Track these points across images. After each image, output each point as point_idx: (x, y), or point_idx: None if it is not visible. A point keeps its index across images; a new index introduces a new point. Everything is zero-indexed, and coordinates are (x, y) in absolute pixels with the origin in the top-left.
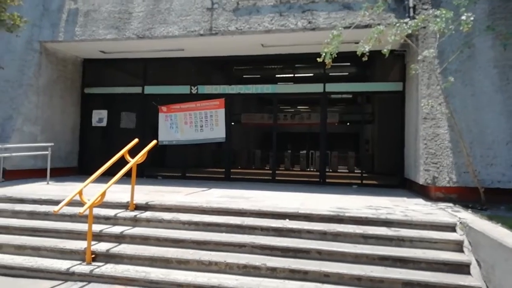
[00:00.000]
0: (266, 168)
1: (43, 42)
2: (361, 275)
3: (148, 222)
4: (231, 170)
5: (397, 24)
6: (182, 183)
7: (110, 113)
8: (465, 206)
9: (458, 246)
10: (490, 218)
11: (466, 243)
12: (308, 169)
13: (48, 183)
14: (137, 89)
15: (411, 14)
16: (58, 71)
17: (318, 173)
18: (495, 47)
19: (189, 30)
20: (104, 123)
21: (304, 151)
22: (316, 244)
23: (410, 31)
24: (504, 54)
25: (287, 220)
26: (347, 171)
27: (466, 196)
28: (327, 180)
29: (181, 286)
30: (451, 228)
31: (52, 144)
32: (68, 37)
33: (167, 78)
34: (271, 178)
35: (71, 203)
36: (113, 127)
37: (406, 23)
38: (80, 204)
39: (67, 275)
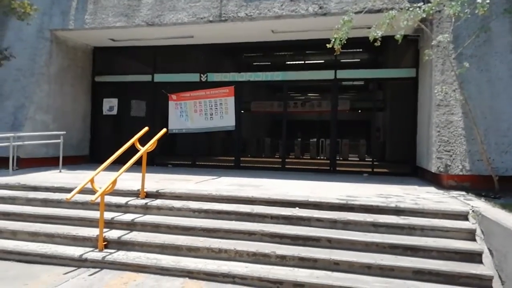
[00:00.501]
0: (276, 156)
1: (54, 30)
2: (371, 263)
3: (159, 210)
4: (241, 158)
5: (411, 9)
6: (192, 171)
7: (121, 101)
8: (478, 194)
9: (470, 235)
10: (504, 206)
11: (478, 231)
12: (318, 157)
13: (60, 171)
14: (147, 77)
15: None
16: (68, 60)
17: (328, 161)
18: None
19: (198, 16)
20: (114, 112)
21: (315, 139)
22: (326, 232)
23: (424, 16)
24: None
25: (297, 208)
26: (357, 159)
27: (479, 185)
28: (337, 168)
29: (191, 273)
30: (463, 216)
31: (64, 132)
32: (78, 25)
33: (176, 66)
34: (281, 166)
35: (83, 191)
36: (124, 115)
37: (420, 7)
38: (92, 192)
39: (80, 262)
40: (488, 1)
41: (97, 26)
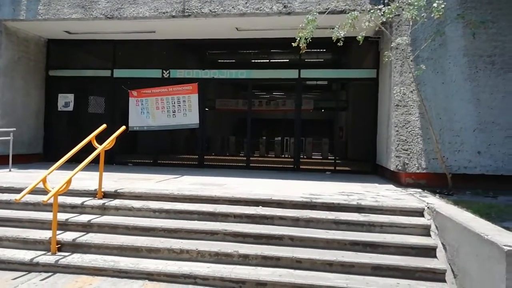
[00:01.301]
0: (240, 154)
1: (3, 20)
2: (332, 261)
3: (117, 210)
4: (205, 157)
5: (372, 11)
6: (154, 170)
7: (77, 97)
8: (433, 191)
9: (425, 231)
10: (456, 203)
11: (433, 227)
12: (283, 156)
13: (10, 170)
14: (106, 72)
15: (386, 0)
16: (19, 52)
17: (292, 160)
18: (465, 36)
19: (160, 11)
20: (70, 108)
21: (279, 138)
22: (289, 230)
23: (384, 19)
24: (474, 43)
25: (260, 207)
26: (321, 157)
27: (434, 182)
28: (301, 167)
29: (151, 275)
30: (419, 213)
31: (14, 129)
32: (31, 15)
33: (138, 61)
34: (245, 165)
35: (35, 191)
36: (81, 111)
37: (381, 9)
38: (45, 192)
39: (31, 266)
40: (443, 6)
41: (51, 17)
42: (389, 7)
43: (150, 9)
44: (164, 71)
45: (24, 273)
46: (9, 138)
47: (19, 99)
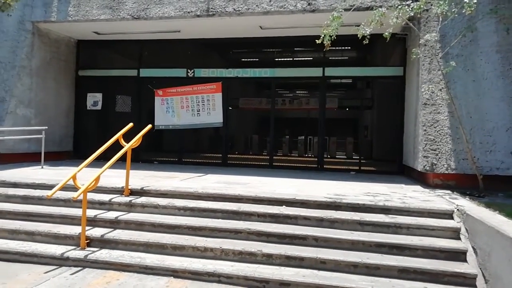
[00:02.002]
0: (263, 153)
1: (36, 22)
2: (357, 262)
3: (143, 208)
4: (228, 156)
5: (399, 6)
6: (178, 168)
7: (105, 96)
8: (463, 193)
9: (455, 234)
10: (488, 205)
11: (463, 230)
12: (306, 155)
13: (42, 167)
14: (132, 72)
15: None
16: (51, 53)
17: (316, 159)
18: (498, 31)
19: (185, 10)
20: (99, 107)
21: (302, 137)
22: (313, 230)
23: (412, 14)
24: (507, 38)
25: (284, 206)
26: (345, 157)
27: (464, 183)
28: (325, 166)
29: (176, 272)
30: (449, 215)
31: (46, 127)
32: (61, 17)
33: (163, 61)
34: (268, 164)
35: (65, 188)
36: (108, 110)
37: (409, 5)
38: (75, 188)
39: (62, 260)
40: (475, 1)
41: (80, 18)
42: (418, 2)
43: (175, 8)
44: (189, 70)
45: (55, 267)
46: (42, 136)
47: (51, 99)
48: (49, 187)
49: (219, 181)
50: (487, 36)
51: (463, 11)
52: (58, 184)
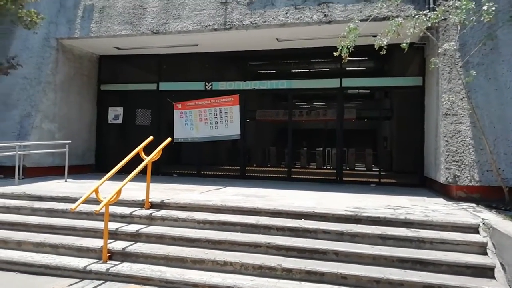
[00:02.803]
0: (281, 166)
1: (60, 38)
2: (379, 278)
3: (163, 221)
4: (246, 168)
5: (416, 16)
6: (197, 181)
7: (126, 110)
8: (488, 206)
9: (481, 249)
10: None
11: (489, 245)
12: (325, 167)
13: (66, 181)
14: (152, 86)
15: (431, 5)
16: (74, 68)
17: (334, 171)
18: None
19: (203, 25)
20: (120, 120)
21: (320, 149)
22: (333, 245)
23: (429, 24)
24: None
25: (303, 219)
26: (364, 169)
27: (489, 196)
28: (344, 179)
29: (196, 286)
30: (474, 229)
31: (70, 141)
32: (84, 33)
33: (181, 74)
34: (286, 176)
35: (88, 201)
36: (129, 124)
37: (426, 15)
38: (97, 201)
39: (84, 273)
40: (494, 9)
41: (102, 34)
42: (435, 11)
43: (193, 23)
44: (207, 83)
45: (78, 280)
46: (65, 150)
47: (74, 113)
48: (73, 200)
49: (238, 194)
50: (509, 44)
51: (482, 19)
52: (81, 197)
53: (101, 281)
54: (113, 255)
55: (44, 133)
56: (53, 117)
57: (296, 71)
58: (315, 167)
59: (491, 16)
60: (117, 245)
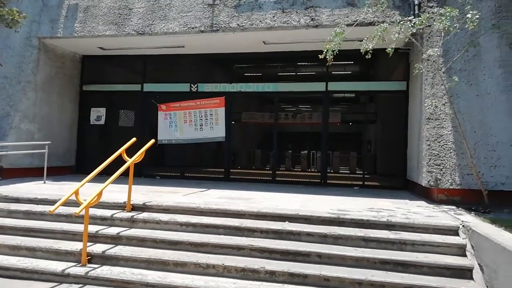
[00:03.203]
0: (266, 168)
1: (42, 38)
2: (361, 280)
3: (145, 223)
4: (231, 170)
5: (402, 22)
6: (181, 183)
7: (109, 111)
8: (468, 208)
9: (460, 250)
10: (494, 221)
11: (469, 247)
12: (309, 170)
13: (44, 182)
14: (136, 87)
15: (416, 11)
16: (56, 68)
17: (319, 174)
18: (501, 47)
19: (189, 26)
20: (102, 121)
21: (305, 151)
22: (316, 247)
23: (414, 30)
24: (510, 53)
25: (287, 222)
26: (348, 172)
27: (469, 199)
28: (328, 181)
29: None
30: (454, 231)
31: (50, 142)
32: (67, 33)
33: (166, 76)
34: (271, 178)
35: (67, 203)
36: (112, 125)
37: (411, 21)
38: (77, 204)
39: (62, 277)
40: (477, 16)
41: (86, 34)
42: (420, 18)
43: (180, 24)
44: (192, 85)
45: (56, 284)
46: (45, 151)
47: (55, 113)
48: (51, 202)
49: (222, 196)
50: (490, 51)
51: (466, 27)
52: (60, 199)
53: (80, 285)
54: (92, 259)
55: (23, 133)
56: (32, 117)
57: (283, 74)
58: (300, 169)
59: (475, 24)
60: (97, 248)
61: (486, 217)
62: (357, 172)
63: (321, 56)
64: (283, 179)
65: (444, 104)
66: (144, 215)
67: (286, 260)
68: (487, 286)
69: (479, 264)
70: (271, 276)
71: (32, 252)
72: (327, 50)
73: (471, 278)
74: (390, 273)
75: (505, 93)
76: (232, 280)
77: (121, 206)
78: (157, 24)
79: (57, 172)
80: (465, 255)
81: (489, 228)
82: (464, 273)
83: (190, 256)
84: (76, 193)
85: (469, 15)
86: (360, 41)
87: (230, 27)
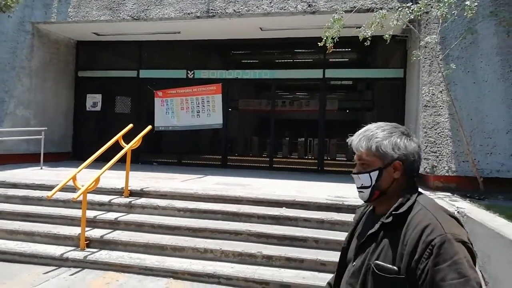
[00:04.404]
0: (263, 155)
1: (35, 23)
2: None
3: (143, 209)
4: (228, 157)
5: (400, 9)
6: (178, 169)
7: (105, 97)
8: (464, 195)
9: None
10: (488, 207)
11: None
12: (306, 157)
13: (41, 168)
14: (132, 73)
15: None
16: (51, 54)
17: (316, 161)
18: (498, 34)
19: (185, 12)
20: (98, 108)
21: (303, 139)
22: (313, 232)
23: (412, 16)
24: (507, 41)
25: (284, 208)
26: (345, 159)
27: (464, 186)
28: (325, 168)
29: (176, 273)
30: None
31: (46, 128)
32: (61, 18)
33: (163, 62)
34: (268, 165)
35: (65, 189)
36: (108, 111)
37: (409, 7)
38: (74, 189)
39: (61, 261)
40: (476, 4)
41: (80, 19)
42: (418, 4)
43: (175, 10)
44: (189, 72)
45: (55, 267)
46: (41, 137)
47: (50, 100)
48: (49, 187)
49: (219, 183)
50: (487, 38)
51: (464, 14)
52: (58, 184)
53: (79, 269)
54: (91, 243)
55: (18, 119)
56: (28, 104)
57: (280, 61)
58: (297, 157)
59: (473, 12)
60: (95, 233)
61: (481, 204)
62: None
63: (320, 44)
64: (280, 166)
65: (441, 92)
66: (142, 200)
67: (283, 245)
68: (480, 271)
69: None
70: (268, 260)
71: (30, 236)
72: (327, 38)
73: None
74: None
75: (501, 80)
76: (229, 265)
77: (119, 192)
78: (152, 10)
79: (54, 158)
80: None
81: (483, 214)
82: None
83: (188, 241)
84: (74, 178)
85: (467, 2)
86: (358, 28)
87: (227, 12)
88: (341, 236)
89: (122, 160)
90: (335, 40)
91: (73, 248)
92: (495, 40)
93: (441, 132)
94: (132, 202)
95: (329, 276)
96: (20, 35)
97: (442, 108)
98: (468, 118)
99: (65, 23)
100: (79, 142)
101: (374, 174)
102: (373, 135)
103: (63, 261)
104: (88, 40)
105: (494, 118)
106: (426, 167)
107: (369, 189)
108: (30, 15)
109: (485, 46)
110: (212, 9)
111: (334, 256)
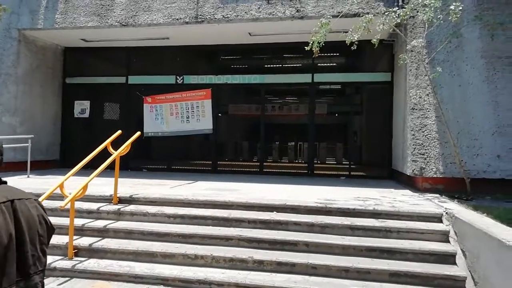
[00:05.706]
0: (253, 160)
1: (22, 30)
2: (348, 267)
3: (132, 216)
4: (218, 162)
5: (386, 13)
6: (168, 175)
7: (93, 104)
8: (451, 196)
9: (444, 237)
10: (476, 208)
11: (452, 233)
12: (296, 161)
13: (28, 176)
14: (120, 79)
15: (400, 3)
16: (37, 60)
17: (306, 165)
18: (483, 38)
19: (174, 17)
20: (86, 114)
21: (292, 143)
22: (304, 236)
23: (398, 20)
24: (491, 44)
25: (275, 212)
26: (335, 162)
27: (452, 187)
28: (315, 172)
29: (167, 281)
30: (438, 218)
31: (32, 136)
32: (48, 24)
33: (151, 68)
34: (258, 170)
35: (52, 197)
36: (96, 118)
37: (395, 12)
38: (62, 197)
39: (49, 271)
40: (460, 8)
41: (68, 25)
42: (404, 9)
43: (164, 16)
44: (178, 77)
45: None
46: (28, 144)
47: (37, 106)
48: (36, 196)
49: (209, 188)
50: (472, 42)
51: (449, 18)
52: (45, 193)
53: (67, 278)
54: (79, 252)
55: (4, 127)
56: (14, 111)
57: (269, 66)
58: (287, 161)
59: (458, 16)
60: (84, 241)
61: (469, 205)
62: (343, 162)
63: (307, 48)
64: (270, 170)
65: (428, 95)
66: (131, 207)
67: (274, 250)
68: (469, 271)
69: (461, 250)
70: (259, 265)
71: None
72: (313, 42)
73: (454, 263)
74: (376, 260)
75: (486, 83)
76: (220, 270)
77: (107, 199)
78: (140, 15)
79: (41, 166)
80: (448, 241)
81: (471, 215)
82: (448, 258)
83: (178, 248)
84: (61, 186)
85: (452, 7)
86: (346, 32)
87: (215, 18)
88: (331, 239)
89: (111, 167)
90: (321, 44)
91: (61, 257)
92: (480, 43)
93: (429, 134)
94: (121, 209)
95: (320, 280)
96: (6, 42)
97: (429, 111)
98: (454, 120)
99: (52, 30)
100: (67, 149)
101: None
102: None
103: (51, 271)
104: (76, 46)
105: (480, 120)
106: (414, 169)
107: None
108: (17, 21)
109: (470, 49)
110: (201, 15)
111: (325, 260)
